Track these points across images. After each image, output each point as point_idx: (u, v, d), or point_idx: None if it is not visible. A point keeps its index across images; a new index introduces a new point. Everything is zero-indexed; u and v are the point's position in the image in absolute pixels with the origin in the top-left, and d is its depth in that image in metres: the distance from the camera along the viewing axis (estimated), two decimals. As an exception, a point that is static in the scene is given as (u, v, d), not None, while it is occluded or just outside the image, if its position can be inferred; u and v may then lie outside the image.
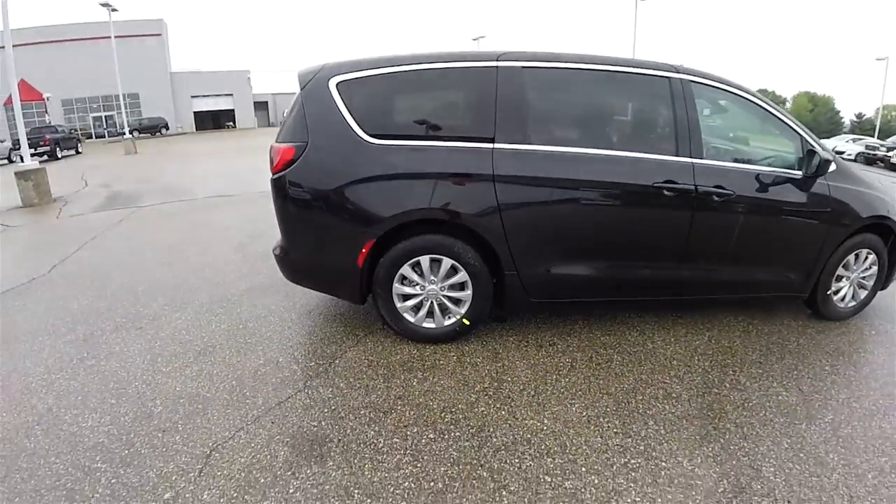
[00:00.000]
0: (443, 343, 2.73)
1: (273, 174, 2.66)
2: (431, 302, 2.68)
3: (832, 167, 2.91)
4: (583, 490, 1.72)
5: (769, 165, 2.91)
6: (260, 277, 3.89)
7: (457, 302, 2.68)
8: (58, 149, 19.63)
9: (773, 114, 2.94)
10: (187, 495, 1.71)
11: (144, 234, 5.73)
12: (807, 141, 2.94)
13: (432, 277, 2.62)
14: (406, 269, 2.59)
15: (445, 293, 2.65)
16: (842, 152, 21.76)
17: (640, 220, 2.69)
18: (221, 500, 1.68)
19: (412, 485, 1.75)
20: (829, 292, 3.14)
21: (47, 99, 30.82)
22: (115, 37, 26.90)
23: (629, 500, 1.67)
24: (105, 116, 38.67)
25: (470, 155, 2.48)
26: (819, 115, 49.98)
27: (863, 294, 3.28)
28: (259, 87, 52.51)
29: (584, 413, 2.16)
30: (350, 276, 2.62)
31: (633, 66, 2.71)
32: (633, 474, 1.80)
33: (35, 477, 1.81)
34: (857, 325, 3.20)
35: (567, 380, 2.42)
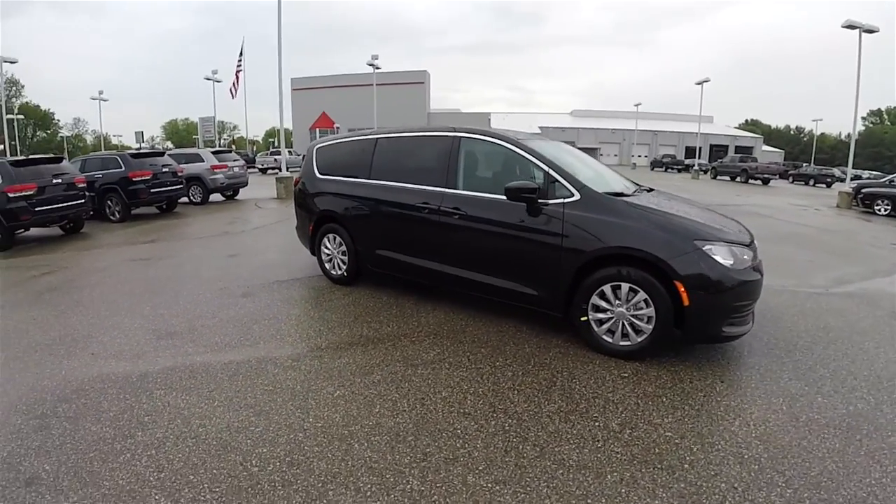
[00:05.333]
0: (339, 284, 5.45)
1: (294, 188, 5.94)
2: (334, 260, 5.45)
3: (575, 197, 3.57)
4: (300, 351, 4.28)
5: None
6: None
7: (344, 262, 5.37)
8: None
9: (522, 156, 3.92)
10: (212, 291, 5.08)
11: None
12: (551, 178, 3.67)
13: (333, 246, 5.41)
14: (324, 240, 5.46)
15: (340, 257, 5.39)
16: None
17: (415, 227, 4.45)
18: (202, 297, 4.97)
19: (268, 314, 4.66)
20: (583, 319, 3.56)
21: (337, 128, 43.61)
22: (388, 84, 36.86)
23: (301, 340, 4.15)
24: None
25: (346, 184, 5.18)
26: None
27: (640, 338, 3.39)
28: (499, 127, 61.04)
29: (341, 318, 4.48)
30: (309, 238, 5.64)
31: (430, 132, 4.69)
32: (322, 338, 4.20)
33: (231, 272, 5.51)
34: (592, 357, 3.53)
35: (356, 308, 4.70)
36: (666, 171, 42.41)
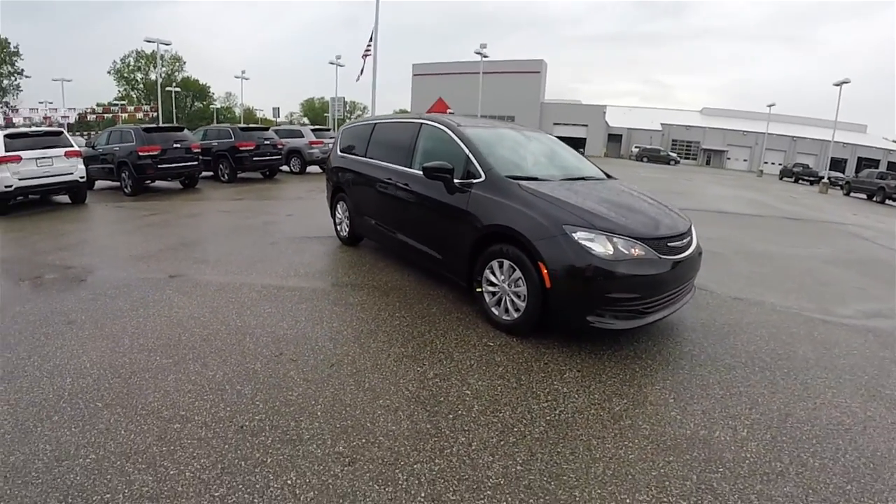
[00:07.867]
0: (344, 244, 6.72)
1: (327, 165, 7.35)
2: (342, 224, 6.73)
3: (482, 178, 4.02)
4: (273, 282, 5.63)
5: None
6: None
7: (348, 226, 6.61)
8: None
9: (455, 141, 4.47)
10: (243, 242, 6.72)
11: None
12: (469, 161, 4.21)
13: (341, 212, 6.68)
14: (337, 206, 6.76)
15: (346, 221, 6.64)
16: None
17: (388, 197, 5.24)
18: (242, 242, 6.59)
19: (274, 258, 6.13)
20: (477, 290, 3.99)
21: (451, 113, 45.52)
22: (503, 72, 37.56)
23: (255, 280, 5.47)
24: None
25: (351, 160, 6.36)
26: None
27: (517, 314, 3.67)
28: (617, 121, 58.60)
29: (322, 267, 5.79)
30: (329, 203, 7.00)
31: (407, 119, 5.56)
32: (295, 276, 5.52)
33: (277, 227, 7.23)
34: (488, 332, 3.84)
35: (339, 263, 5.91)
36: (796, 181, 37.07)
